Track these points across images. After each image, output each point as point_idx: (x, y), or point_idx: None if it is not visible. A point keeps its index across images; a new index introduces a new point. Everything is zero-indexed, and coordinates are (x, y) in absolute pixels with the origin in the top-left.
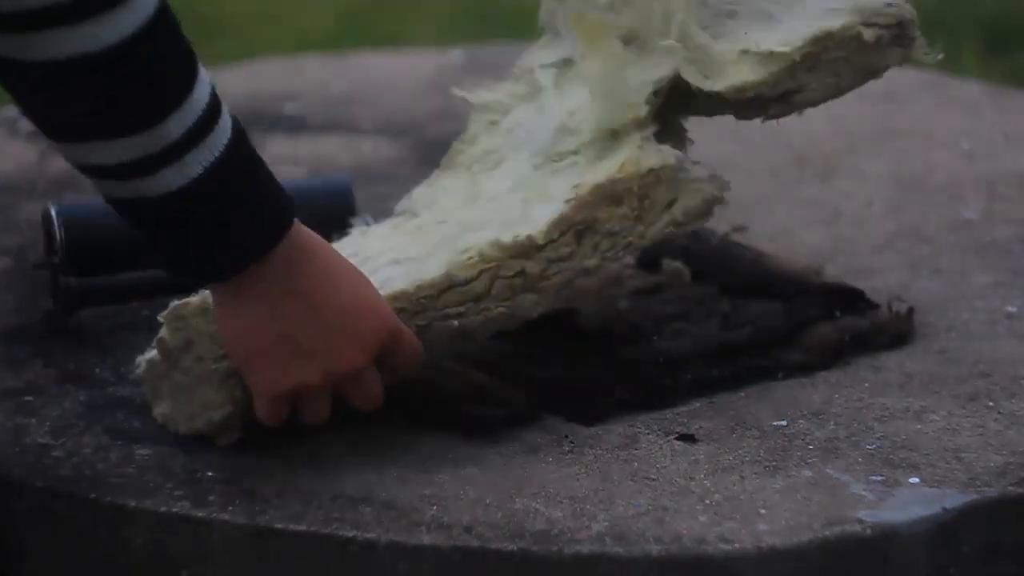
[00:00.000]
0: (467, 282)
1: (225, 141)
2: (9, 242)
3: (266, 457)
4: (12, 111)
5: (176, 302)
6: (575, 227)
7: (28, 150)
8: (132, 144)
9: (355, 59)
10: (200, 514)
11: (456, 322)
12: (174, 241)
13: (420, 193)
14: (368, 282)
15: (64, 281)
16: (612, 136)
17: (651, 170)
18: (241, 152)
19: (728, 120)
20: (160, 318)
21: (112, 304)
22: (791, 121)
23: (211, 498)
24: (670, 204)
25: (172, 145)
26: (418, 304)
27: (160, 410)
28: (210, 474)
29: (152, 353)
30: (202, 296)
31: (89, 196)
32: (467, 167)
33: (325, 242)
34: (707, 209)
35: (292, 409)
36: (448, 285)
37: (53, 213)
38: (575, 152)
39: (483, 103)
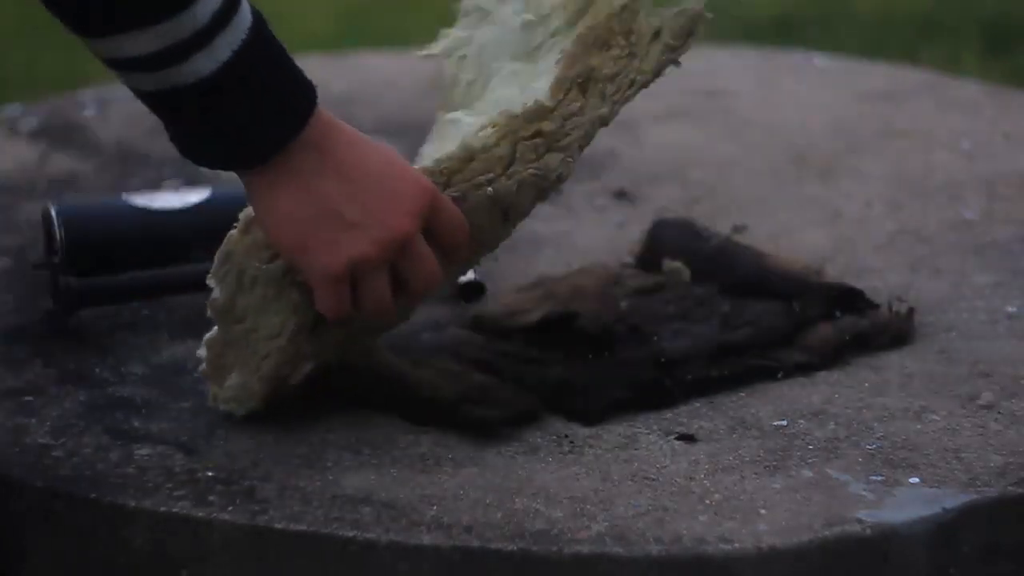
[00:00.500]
0: (488, 149)
1: (248, 24)
2: (9, 242)
3: (266, 457)
4: (12, 111)
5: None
6: (575, 81)
7: (28, 150)
8: (164, 32)
9: (355, 59)
10: (200, 514)
11: (490, 189)
12: (208, 130)
13: (426, 150)
14: (397, 153)
15: (64, 281)
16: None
17: (624, 6)
18: (264, 35)
19: (728, 120)
20: (209, 280)
21: (112, 304)
22: (791, 121)
23: (211, 498)
24: (657, 33)
25: (202, 30)
26: (443, 177)
27: (229, 384)
28: (210, 474)
29: (211, 332)
30: (240, 224)
31: (89, 196)
32: (459, 107)
33: (345, 124)
34: (692, 25)
35: (354, 301)
36: (470, 156)
37: (53, 213)
38: (552, 36)
39: (445, 48)
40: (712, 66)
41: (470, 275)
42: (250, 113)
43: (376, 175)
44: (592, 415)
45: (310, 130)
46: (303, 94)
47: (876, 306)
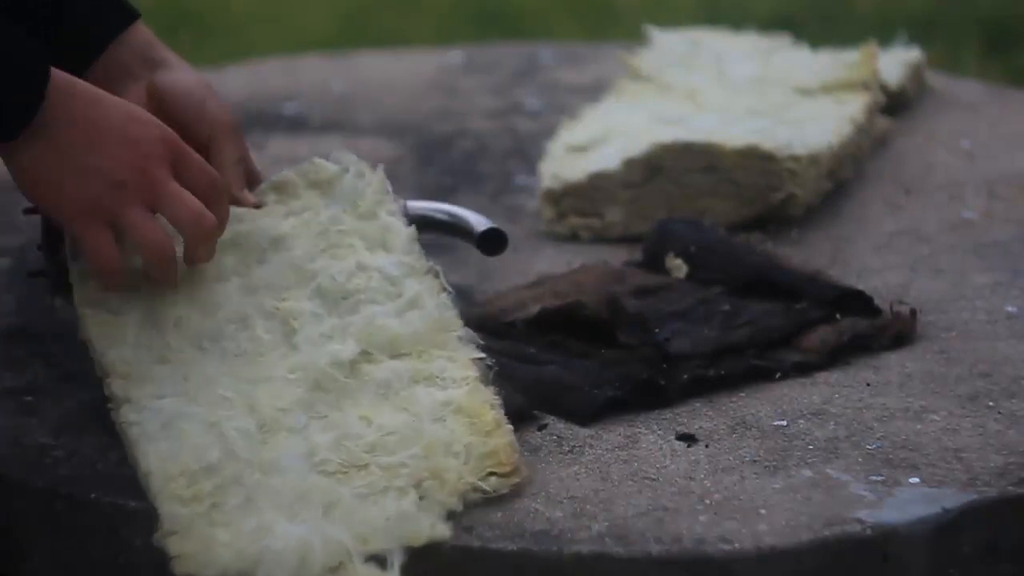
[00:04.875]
0: None
1: None
2: (9, 242)
3: None
4: None
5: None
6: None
7: None
8: None
9: (355, 59)
10: None
11: None
12: None
13: None
14: (140, 108)
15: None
16: None
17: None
18: None
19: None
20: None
21: None
22: None
23: None
24: None
25: None
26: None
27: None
28: None
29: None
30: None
31: None
32: None
33: (83, 82)
34: None
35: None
36: None
37: None
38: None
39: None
40: None
41: (486, 222)
42: None
43: (118, 125)
44: (591, 415)
45: (48, 99)
46: (35, 64)
47: (877, 309)
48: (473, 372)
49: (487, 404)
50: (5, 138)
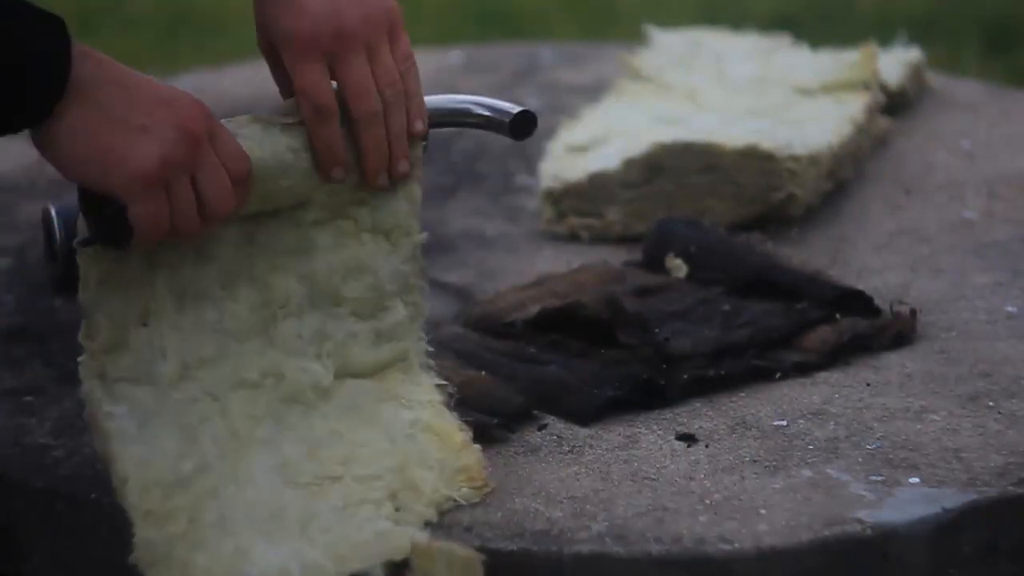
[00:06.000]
0: None
1: None
2: (9, 242)
3: None
4: None
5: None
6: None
7: (28, 150)
8: None
9: None
10: None
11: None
12: None
13: None
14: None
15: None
16: None
17: None
18: None
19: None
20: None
21: None
22: None
23: None
24: None
25: None
26: None
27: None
28: None
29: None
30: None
31: None
32: None
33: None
34: None
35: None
36: None
37: (53, 213)
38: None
39: None
40: None
41: (513, 106)
42: (16, 71)
43: (146, 85)
44: (591, 415)
45: (74, 63)
46: (57, 28)
47: (877, 309)
48: (437, 396)
49: (455, 426)
50: (41, 115)
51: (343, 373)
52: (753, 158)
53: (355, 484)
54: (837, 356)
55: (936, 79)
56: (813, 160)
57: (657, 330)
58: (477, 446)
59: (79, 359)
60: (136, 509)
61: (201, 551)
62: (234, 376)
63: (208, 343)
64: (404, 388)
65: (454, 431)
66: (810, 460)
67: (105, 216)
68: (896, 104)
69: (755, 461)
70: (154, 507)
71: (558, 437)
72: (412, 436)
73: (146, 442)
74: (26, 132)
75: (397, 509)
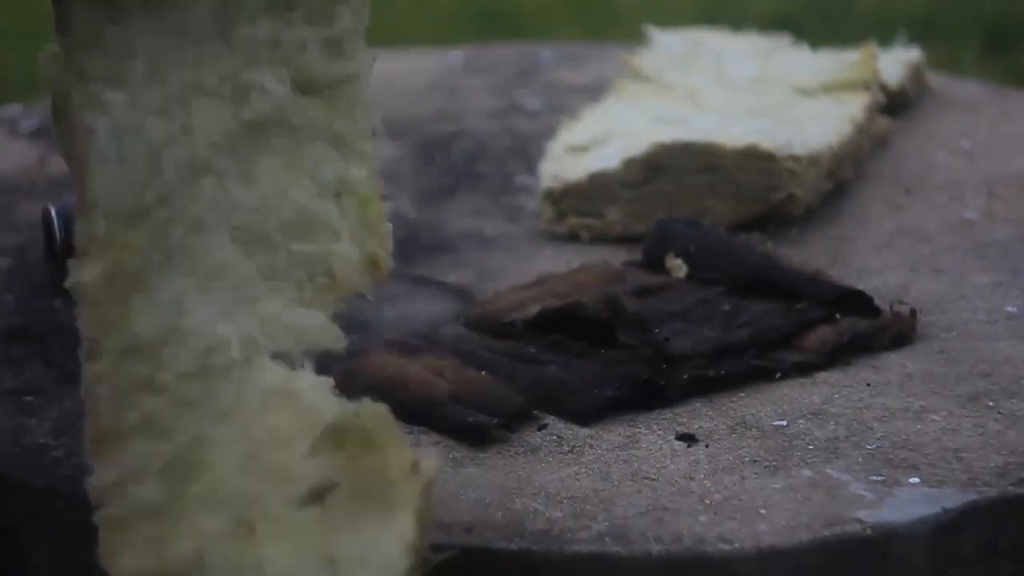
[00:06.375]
0: None
1: None
2: (9, 242)
3: None
4: (12, 111)
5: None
6: None
7: (28, 150)
8: None
9: None
10: None
11: None
12: None
13: None
14: None
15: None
16: None
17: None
18: None
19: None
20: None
21: None
22: None
23: None
24: None
25: None
26: None
27: None
28: None
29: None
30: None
31: None
32: None
33: None
34: None
35: None
36: None
37: (53, 213)
38: None
39: None
40: None
41: None
42: None
43: None
44: (591, 415)
45: None
46: None
47: (877, 309)
48: (369, 131)
49: (377, 189)
50: None
51: (295, 86)
52: (753, 158)
53: (285, 258)
54: (837, 356)
55: (936, 79)
56: (813, 160)
57: (657, 330)
58: (389, 225)
59: (52, 52)
60: (94, 239)
61: (144, 294)
62: (195, 79)
63: (172, 45)
64: (343, 123)
65: (375, 197)
66: (810, 460)
67: None
68: (896, 104)
69: (755, 461)
70: (115, 238)
71: (558, 437)
72: (338, 197)
73: (121, 162)
74: (26, 132)
75: (313, 294)
